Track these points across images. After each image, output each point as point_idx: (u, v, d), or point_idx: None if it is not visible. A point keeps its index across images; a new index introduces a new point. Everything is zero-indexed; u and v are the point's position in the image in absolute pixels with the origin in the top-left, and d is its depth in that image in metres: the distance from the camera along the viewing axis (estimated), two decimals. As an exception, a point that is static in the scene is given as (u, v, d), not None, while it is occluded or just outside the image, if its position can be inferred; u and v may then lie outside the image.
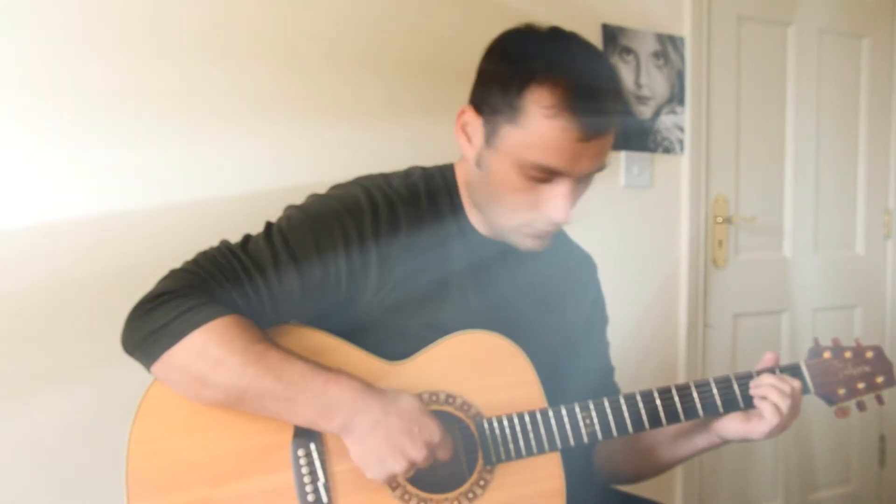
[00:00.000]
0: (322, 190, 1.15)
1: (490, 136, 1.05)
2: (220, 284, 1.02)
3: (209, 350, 0.97)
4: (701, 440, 1.20)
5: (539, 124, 0.99)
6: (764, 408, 1.13)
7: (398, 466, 0.99)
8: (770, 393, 1.13)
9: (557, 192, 1.03)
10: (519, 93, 1.00)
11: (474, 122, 1.08)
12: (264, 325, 1.05)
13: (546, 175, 1.02)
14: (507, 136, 1.02)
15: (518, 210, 1.07)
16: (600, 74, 1.04)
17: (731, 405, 1.15)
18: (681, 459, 1.23)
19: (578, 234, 1.31)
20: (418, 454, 0.99)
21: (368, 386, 1.02)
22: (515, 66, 1.02)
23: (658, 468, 1.25)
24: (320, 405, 0.99)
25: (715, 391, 1.15)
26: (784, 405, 1.12)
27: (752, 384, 1.15)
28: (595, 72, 1.04)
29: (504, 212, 1.08)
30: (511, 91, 1.00)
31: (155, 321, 0.98)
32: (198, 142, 1.60)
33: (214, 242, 1.08)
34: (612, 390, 1.29)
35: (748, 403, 1.16)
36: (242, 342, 0.99)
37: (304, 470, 1.02)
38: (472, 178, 1.12)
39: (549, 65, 1.00)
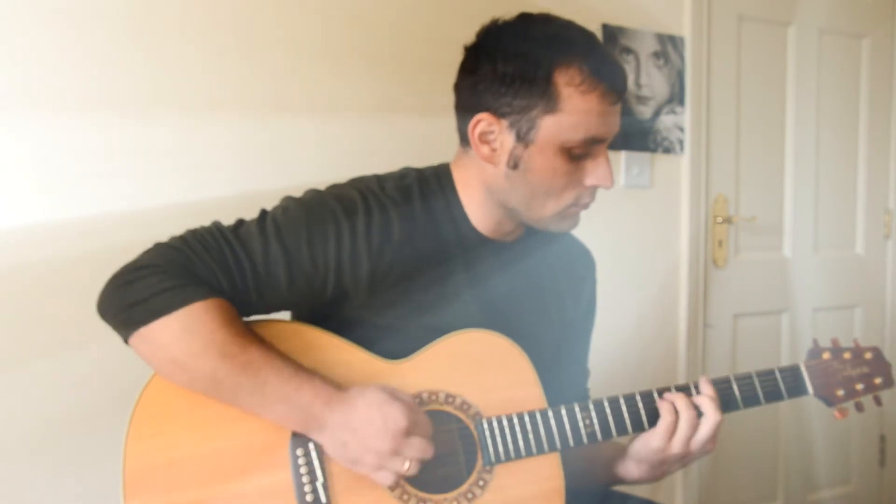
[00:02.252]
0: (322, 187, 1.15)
1: (525, 134, 1.05)
2: (206, 264, 1.00)
3: (188, 335, 0.95)
4: (620, 464, 1.17)
5: (578, 102, 1.03)
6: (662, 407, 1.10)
7: (386, 480, 0.99)
8: (677, 399, 1.11)
9: (600, 160, 1.08)
10: (547, 82, 1.02)
11: (497, 126, 1.07)
12: (248, 311, 1.04)
13: (588, 148, 1.06)
14: (546, 126, 1.04)
15: (566, 191, 1.09)
16: (594, 38, 1.08)
17: (729, 406, 1.15)
18: (616, 479, 1.20)
19: (578, 234, 1.31)
20: (396, 463, 0.99)
21: (335, 392, 1.00)
22: (535, 57, 1.03)
23: (594, 481, 1.23)
24: (289, 409, 0.99)
25: (714, 392, 1.15)
26: (685, 414, 1.09)
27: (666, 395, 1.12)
28: (591, 38, 1.08)
29: (551, 199, 1.09)
30: (538, 83, 1.02)
31: (134, 294, 0.96)
32: (196, 141, 1.60)
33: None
34: (583, 394, 1.30)
35: (748, 404, 1.16)
36: (223, 333, 0.97)
37: (303, 469, 1.01)
38: (502, 182, 1.10)
39: (565, 46, 1.04)
